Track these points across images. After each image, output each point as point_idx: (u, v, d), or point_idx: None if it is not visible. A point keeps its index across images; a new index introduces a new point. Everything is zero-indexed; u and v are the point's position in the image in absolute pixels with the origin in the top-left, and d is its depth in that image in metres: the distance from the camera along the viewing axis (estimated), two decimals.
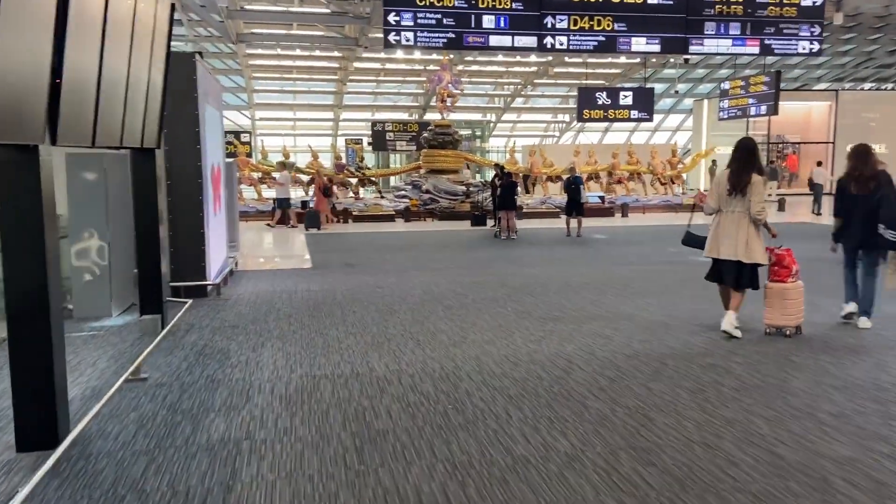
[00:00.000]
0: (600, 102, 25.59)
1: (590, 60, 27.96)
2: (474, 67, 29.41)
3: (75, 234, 6.62)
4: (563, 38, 14.70)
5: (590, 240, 13.87)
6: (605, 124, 36.87)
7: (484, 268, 10.07)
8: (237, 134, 29.03)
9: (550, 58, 27.37)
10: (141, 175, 5.78)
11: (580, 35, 14.73)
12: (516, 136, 35.36)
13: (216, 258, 8.66)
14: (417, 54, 25.65)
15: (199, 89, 7.77)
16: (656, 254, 11.56)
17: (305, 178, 20.15)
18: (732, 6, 15.41)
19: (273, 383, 4.52)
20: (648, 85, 29.15)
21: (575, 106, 34.03)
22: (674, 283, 8.54)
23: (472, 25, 14.23)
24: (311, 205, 16.80)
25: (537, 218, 18.64)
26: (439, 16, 14.02)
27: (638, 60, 29.28)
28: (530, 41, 14.48)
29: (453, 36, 14.17)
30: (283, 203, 16.44)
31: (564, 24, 14.61)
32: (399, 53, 25.89)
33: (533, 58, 27.05)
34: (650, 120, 27.70)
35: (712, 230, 5.89)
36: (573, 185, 14.43)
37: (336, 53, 27.02)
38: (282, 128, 34.89)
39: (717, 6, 15.30)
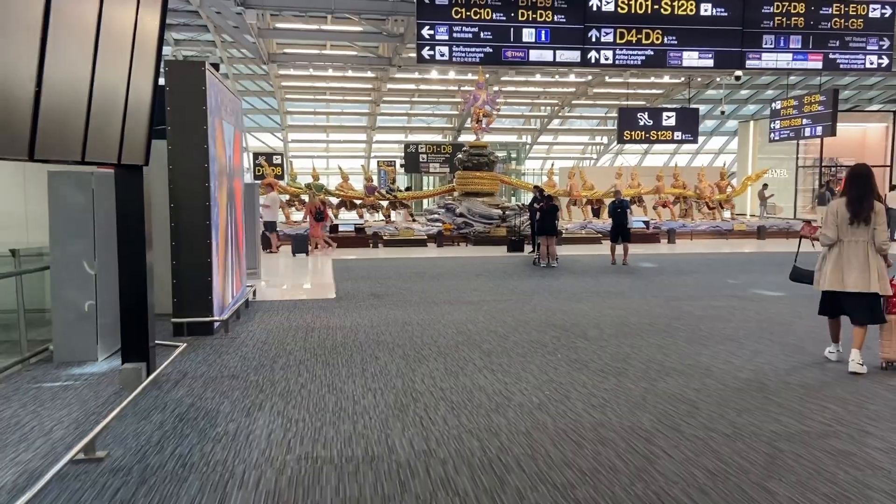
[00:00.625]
0: (642, 123, 24.52)
1: (630, 80, 26.87)
2: (510, 88, 28.51)
3: (58, 264, 5.76)
4: (609, 53, 13.65)
5: (638, 269, 12.70)
6: (644, 147, 35.64)
7: (525, 302, 8.98)
8: (269, 156, 28.63)
9: (590, 77, 26.33)
10: (125, 195, 4.89)
11: (627, 49, 13.67)
12: (552, 158, 34.29)
13: (226, 290, 7.76)
14: (452, 74, 24.86)
15: (209, 101, 6.93)
16: (717, 286, 10.38)
17: (335, 200, 19.38)
18: (793, 18, 14.20)
19: (261, 470, 3.47)
20: (692, 105, 27.96)
21: (614, 127, 33.07)
22: (750, 323, 7.33)
23: (511, 39, 13.29)
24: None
25: (577, 244, 17.50)
26: (476, 29, 13.13)
27: (681, 80, 28.07)
28: (573, 56, 13.47)
29: (490, 51, 13.25)
30: (269, 226, 15.44)
31: (610, 38, 13.57)
32: (433, 74, 25.16)
33: (572, 77, 26.03)
34: (695, 142, 26.44)
35: (832, 262, 5.24)
36: (619, 209, 13.32)
37: (369, 74, 26.44)
38: (315, 150, 34.45)
39: (776, 18, 14.11)
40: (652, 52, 13.76)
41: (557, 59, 13.37)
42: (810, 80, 30.71)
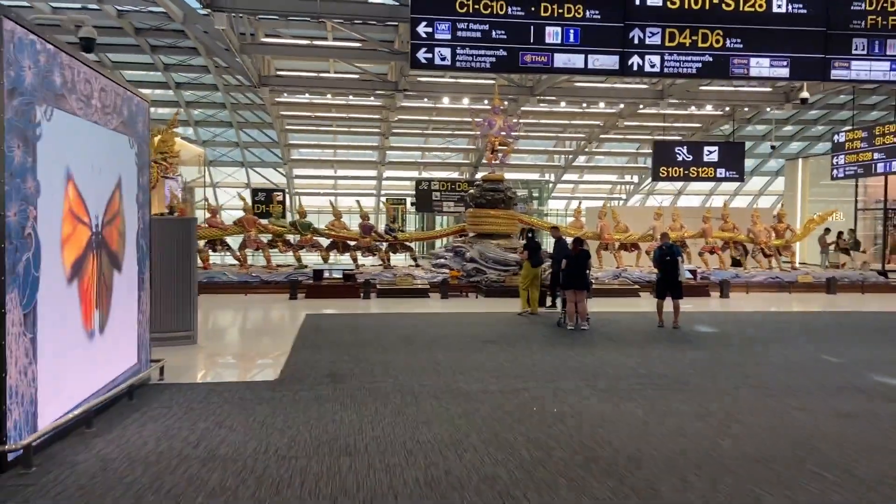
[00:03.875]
0: (680, 159, 21.81)
1: (666, 112, 24.04)
2: (531, 119, 25.70)
3: None
4: (655, 58, 10.75)
5: (694, 334, 9.68)
6: (677, 186, 32.65)
7: (547, 396, 5.93)
8: (269, 192, 26.25)
9: (622, 106, 23.48)
10: None
11: (679, 54, 10.76)
12: (577, 197, 31.24)
13: (61, 388, 4.78)
14: (466, 102, 22.22)
15: (15, 74, 4.10)
16: (815, 367, 7.57)
17: (325, 241, 16.51)
18: (890, 18, 11.21)
19: None
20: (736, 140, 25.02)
21: (645, 165, 30.12)
22: None
23: (531, 41, 10.47)
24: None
25: (610, 296, 14.42)
26: (486, 27, 10.34)
27: (724, 111, 25.15)
28: (610, 61, 10.58)
29: (504, 54, 10.42)
30: None
31: (657, 40, 10.69)
32: (445, 101, 22.56)
33: (601, 106, 23.20)
34: (740, 180, 23.53)
35: None
36: (669, 257, 10.27)
37: (374, 102, 23.90)
38: (322, 186, 31.88)
39: (868, 17, 11.12)
40: (710, 59, 10.81)
41: (590, 66, 10.47)
42: (864, 115, 27.61)
